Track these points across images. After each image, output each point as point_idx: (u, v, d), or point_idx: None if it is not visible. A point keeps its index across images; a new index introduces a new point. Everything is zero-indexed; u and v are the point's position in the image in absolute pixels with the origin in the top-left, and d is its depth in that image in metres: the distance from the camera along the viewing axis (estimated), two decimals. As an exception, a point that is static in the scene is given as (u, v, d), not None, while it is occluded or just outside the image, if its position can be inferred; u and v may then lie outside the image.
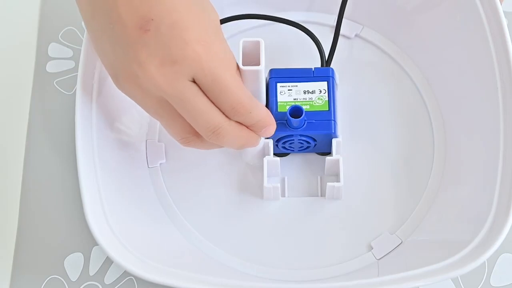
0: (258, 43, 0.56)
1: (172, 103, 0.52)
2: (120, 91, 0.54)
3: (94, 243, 0.58)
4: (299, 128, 0.59)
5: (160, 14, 0.50)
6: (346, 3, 0.64)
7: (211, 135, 0.53)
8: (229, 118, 0.53)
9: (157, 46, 0.50)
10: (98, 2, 0.52)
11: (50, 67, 0.67)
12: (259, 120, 0.55)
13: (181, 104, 0.52)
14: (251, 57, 0.57)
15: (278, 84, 0.61)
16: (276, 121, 0.57)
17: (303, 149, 0.62)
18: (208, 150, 0.56)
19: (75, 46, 0.68)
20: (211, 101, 0.52)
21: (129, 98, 0.54)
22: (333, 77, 0.62)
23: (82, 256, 0.60)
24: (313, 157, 0.63)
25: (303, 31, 0.64)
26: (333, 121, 0.60)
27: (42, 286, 0.60)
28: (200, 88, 0.52)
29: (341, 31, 0.65)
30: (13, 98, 0.67)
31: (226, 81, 0.52)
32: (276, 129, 0.58)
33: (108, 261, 0.60)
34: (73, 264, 0.60)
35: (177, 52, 0.50)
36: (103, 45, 0.53)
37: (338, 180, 0.60)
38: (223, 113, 0.53)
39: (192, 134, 0.54)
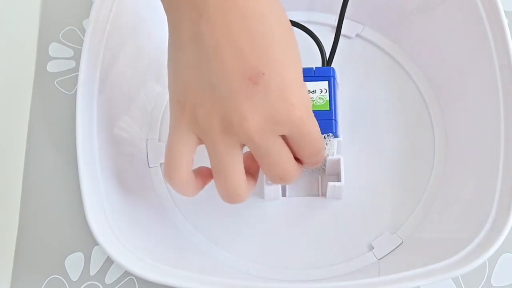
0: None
1: (254, 150, 0.51)
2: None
3: (95, 243, 0.58)
4: (300, 127, 0.59)
5: (270, 69, 0.48)
6: (347, 3, 0.64)
7: (279, 180, 0.53)
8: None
9: (264, 103, 0.48)
10: (190, 32, 0.48)
11: (51, 67, 0.67)
12: (321, 159, 0.56)
13: (264, 154, 0.51)
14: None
15: (279, 84, 0.61)
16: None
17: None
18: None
19: (76, 46, 0.68)
20: (292, 148, 0.52)
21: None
22: (334, 77, 0.62)
23: (83, 256, 0.60)
24: (314, 156, 0.63)
25: (304, 30, 0.64)
26: (334, 121, 0.60)
27: (43, 286, 0.60)
28: (284, 139, 0.51)
29: (342, 31, 0.65)
30: (13, 98, 0.67)
31: (316, 137, 0.52)
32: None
33: (109, 261, 0.60)
34: (73, 264, 0.60)
35: (283, 113, 0.49)
36: (188, 77, 0.50)
37: (338, 180, 0.60)
38: (297, 155, 0.53)
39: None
